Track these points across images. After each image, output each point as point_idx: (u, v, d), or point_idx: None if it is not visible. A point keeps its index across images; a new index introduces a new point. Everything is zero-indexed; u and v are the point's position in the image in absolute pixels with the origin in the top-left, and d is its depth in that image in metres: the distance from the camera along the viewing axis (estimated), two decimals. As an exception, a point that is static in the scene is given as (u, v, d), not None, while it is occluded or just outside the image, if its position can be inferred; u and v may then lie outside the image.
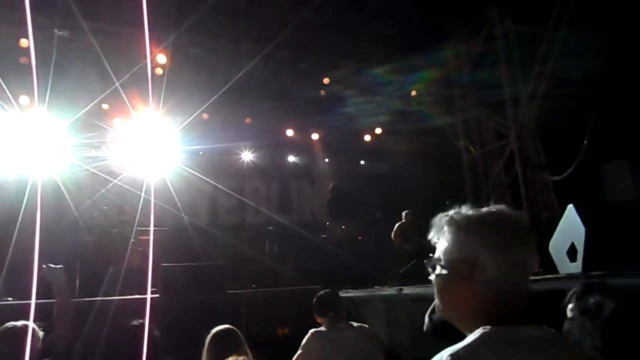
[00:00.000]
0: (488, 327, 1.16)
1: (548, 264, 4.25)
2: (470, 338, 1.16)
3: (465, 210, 1.29)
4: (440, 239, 1.30)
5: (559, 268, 4.12)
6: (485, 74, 10.63)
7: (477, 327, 1.18)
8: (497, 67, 10.33)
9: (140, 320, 3.17)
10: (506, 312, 1.18)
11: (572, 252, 3.89)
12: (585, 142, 8.27)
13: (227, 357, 2.66)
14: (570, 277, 3.80)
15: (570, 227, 3.95)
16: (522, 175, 9.95)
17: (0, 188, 7.08)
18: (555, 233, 4.20)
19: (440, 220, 1.32)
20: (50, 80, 6.66)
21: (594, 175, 9.32)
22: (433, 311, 3.53)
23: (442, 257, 1.28)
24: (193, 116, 8.53)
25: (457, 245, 1.26)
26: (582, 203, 4.09)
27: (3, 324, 2.92)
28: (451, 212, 1.31)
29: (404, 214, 8.33)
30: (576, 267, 3.81)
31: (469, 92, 11.42)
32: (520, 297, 1.21)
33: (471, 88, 11.35)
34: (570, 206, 4.00)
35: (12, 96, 6.91)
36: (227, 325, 3.23)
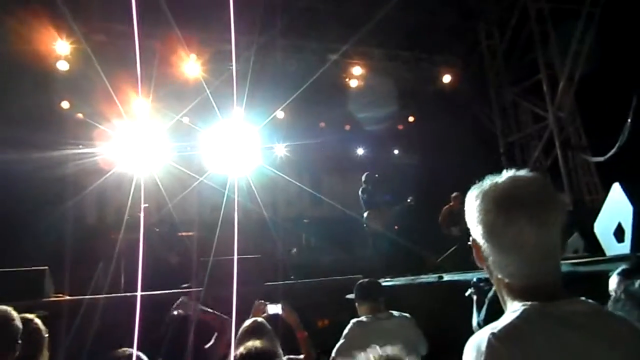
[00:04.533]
0: (528, 303, 1.10)
1: (594, 246, 4.11)
2: (511, 316, 1.11)
3: (487, 179, 1.19)
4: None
5: (605, 250, 3.97)
6: (520, 55, 10.36)
7: (514, 305, 1.13)
8: (532, 47, 10.05)
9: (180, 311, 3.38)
10: (541, 287, 1.12)
11: (619, 233, 3.74)
12: (628, 120, 7.92)
13: None
14: (618, 258, 3.66)
15: (616, 206, 3.79)
16: (563, 158, 9.66)
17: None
18: (601, 213, 4.05)
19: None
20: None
21: (638, 155, 8.96)
22: (478, 315, 3.46)
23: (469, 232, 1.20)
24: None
25: (473, 219, 1.17)
26: (628, 182, 3.92)
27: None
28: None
29: (453, 196, 7.99)
30: (624, 247, 3.67)
31: (503, 75, 11.16)
32: (552, 269, 1.13)
33: (506, 70, 11.09)
34: (616, 184, 3.84)
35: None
36: (257, 319, 3.27)
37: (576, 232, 6.03)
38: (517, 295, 1.14)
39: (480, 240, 1.17)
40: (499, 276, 1.17)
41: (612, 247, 3.86)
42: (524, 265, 1.12)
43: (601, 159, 8.69)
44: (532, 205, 1.10)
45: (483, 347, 1.06)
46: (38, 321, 2.66)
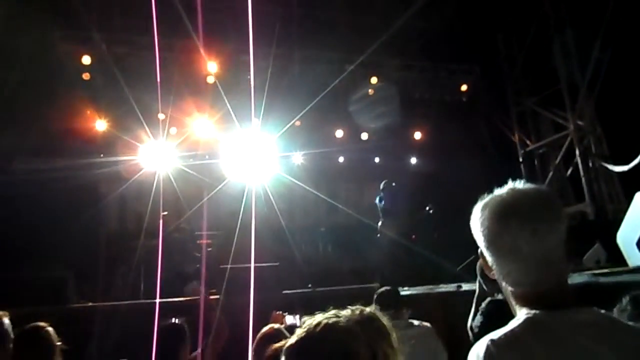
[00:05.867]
0: (532, 311, 1.11)
1: (617, 257, 4.04)
2: (514, 323, 1.12)
3: (495, 192, 1.24)
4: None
5: (628, 260, 3.90)
6: (540, 65, 10.27)
7: (521, 312, 1.14)
8: (552, 56, 9.97)
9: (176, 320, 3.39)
10: (545, 294, 1.12)
11: (643, 243, 3.68)
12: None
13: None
14: (641, 269, 3.59)
15: (639, 216, 3.73)
16: (584, 167, 9.53)
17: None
18: (623, 224, 3.98)
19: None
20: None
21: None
22: (473, 319, 3.42)
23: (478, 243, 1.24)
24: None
25: (476, 230, 1.22)
26: (651, 191, 3.86)
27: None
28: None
29: None
30: (648, 258, 3.60)
31: (522, 83, 11.08)
32: (555, 276, 1.14)
33: (524, 79, 11.00)
34: (638, 194, 3.78)
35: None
36: (274, 325, 3.28)
37: (598, 243, 5.93)
38: (523, 302, 1.16)
39: (484, 250, 1.21)
40: (504, 285, 1.20)
41: (636, 258, 3.78)
42: (522, 272, 1.14)
43: (625, 168, 8.54)
44: (524, 214, 1.14)
45: (482, 354, 1.08)
46: (49, 329, 2.72)
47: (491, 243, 1.18)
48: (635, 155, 8.13)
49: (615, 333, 1.09)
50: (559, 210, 1.19)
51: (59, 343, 2.69)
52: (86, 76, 8.93)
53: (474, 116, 11.17)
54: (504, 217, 1.16)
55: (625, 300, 1.83)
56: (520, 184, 1.22)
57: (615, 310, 1.86)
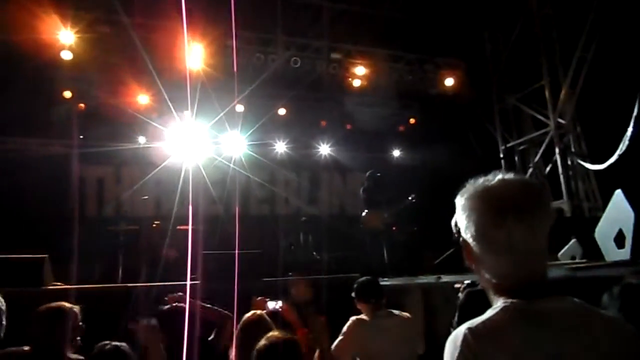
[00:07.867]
0: (509, 300, 1.11)
1: (594, 252, 4.13)
2: (491, 312, 1.13)
3: (477, 180, 1.22)
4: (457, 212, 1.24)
5: (605, 255, 3.98)
6: (524, 61, 10.37)
7: (498, 302, 1.14)
8: (536, 53, 10.07)
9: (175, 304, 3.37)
10: (526, 284, 1.12)
11: (619, 239, 3.76)
12: (629, 129, 7.95)
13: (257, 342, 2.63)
14: (617, 264, 3.67)
15: (617, 212, 3.81)
16: (562, 164, 9.69)
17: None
18: (602, 219, 4.07)
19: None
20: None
21: (636, 163, 8.98)
22: (456, 319, 3.48)
23: (460, 232, 1.22)
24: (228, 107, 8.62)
25: (463, 219, 1.19)
26: (628, 189, 3.95)
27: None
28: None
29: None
30: (624, 253, 3.68)
31: (506, 80, 11.17)
32: (539, 268, 1.15)
33: (508, 75, 11.10)
34: (618, 191, 3.86)
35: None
36: (256, 311, 3.28)
37: (574, 239, 6.04)
38: (503, 293, 1.15)
39: (471, 241, 1.18)
40: (487, 276, 1.18)
41: (612, 253, 3.87)
42: (513, 267, 1.13)
43: (601, 166, 8.70)
44: (520, 208, 1.11)
45: (459, 342, 1.08)
46: (75, 309, 2.67)
47: (482, 235, 1.15)
48: (611, 154, 8.29)
49: (592, 320, 1.10)
50: (549, 203, 1.19)
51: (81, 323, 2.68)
52: (66, 54, 8.67)
53: (458, 110, 11.24)
54: (498, 210, 1.13)
55: (615, 290, 1.84)
56: (508, 175, 1.19)
57: (605, 297, 1.87)
